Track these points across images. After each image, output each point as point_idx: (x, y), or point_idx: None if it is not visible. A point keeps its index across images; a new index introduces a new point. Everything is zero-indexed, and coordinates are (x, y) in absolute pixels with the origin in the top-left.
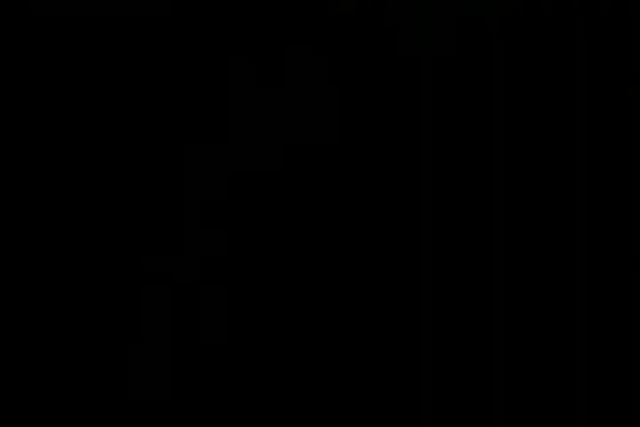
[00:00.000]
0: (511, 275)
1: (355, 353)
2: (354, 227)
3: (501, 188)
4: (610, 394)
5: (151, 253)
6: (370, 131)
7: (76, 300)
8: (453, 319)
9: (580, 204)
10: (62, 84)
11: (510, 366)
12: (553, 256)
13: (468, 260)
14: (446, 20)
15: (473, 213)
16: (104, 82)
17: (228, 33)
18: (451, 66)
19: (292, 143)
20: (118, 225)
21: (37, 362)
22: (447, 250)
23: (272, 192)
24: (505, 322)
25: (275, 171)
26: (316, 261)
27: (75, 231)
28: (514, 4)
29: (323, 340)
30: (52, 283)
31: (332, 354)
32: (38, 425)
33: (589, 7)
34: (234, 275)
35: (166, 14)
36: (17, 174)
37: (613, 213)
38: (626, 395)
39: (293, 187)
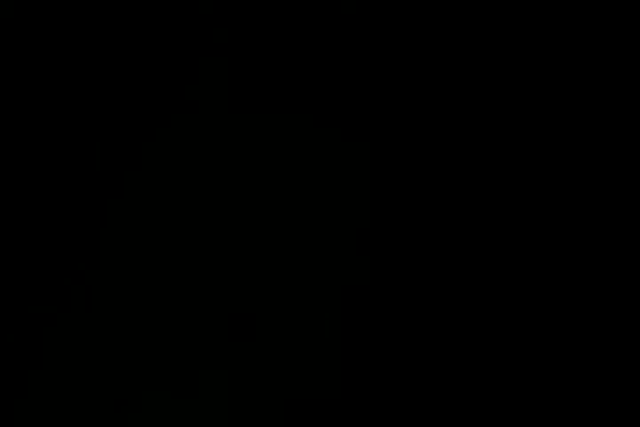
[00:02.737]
0: (511, 275)
1: (355, 353)
2: (353, 226)
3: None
4: (610, 394)
5: (151, 252)
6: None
7: (82, 298)
8: (454, 319)
9: (581, 203)
10: (42, 82)
11: (510, 366)
12: (553, 256)
13: (469, 259)
14: None
15: (471, 213)
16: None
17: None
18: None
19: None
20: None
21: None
22: (447, 249)
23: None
24: (505, 322)
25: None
26: (315, 259)
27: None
28: None
29: (319, 340)
30: (54, 283)
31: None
32: None
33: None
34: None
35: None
36: (14, 174)
37: (614, 213)
38: (626, 395)
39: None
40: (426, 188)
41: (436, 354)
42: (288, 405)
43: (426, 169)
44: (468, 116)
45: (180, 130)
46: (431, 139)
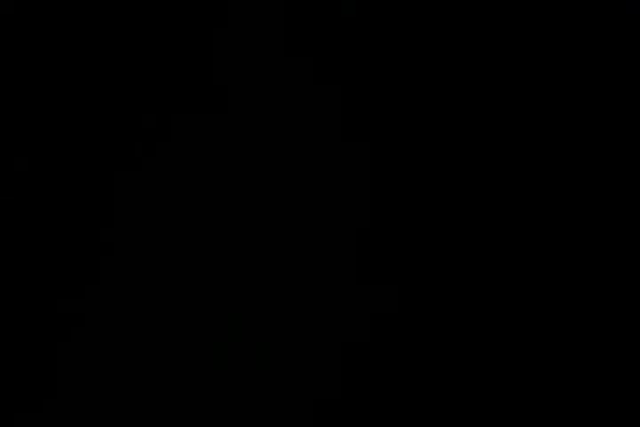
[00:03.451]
0: (510, 272)
1: (356, 354)
2: (355, 226)
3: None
4: (609, 394)
5: (153, 252)
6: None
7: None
8: (454, 319)
9: (581, 203)
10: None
11: (510, 367)
12: (553, 256)
13: (469, 260)
14: None
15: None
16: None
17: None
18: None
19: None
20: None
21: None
22: (447, 250)
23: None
24: (505, 322)
25: None
26: (319, 260)
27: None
28: None
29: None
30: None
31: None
32: None
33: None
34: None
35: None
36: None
37: (614, 214)
38: (626, 395)
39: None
40: (425, 187)
41: (435, 353)
42: (289, 405)
43: (425, 169)
44: (467, 116)
45: (181, 130)
46: (431, 139)
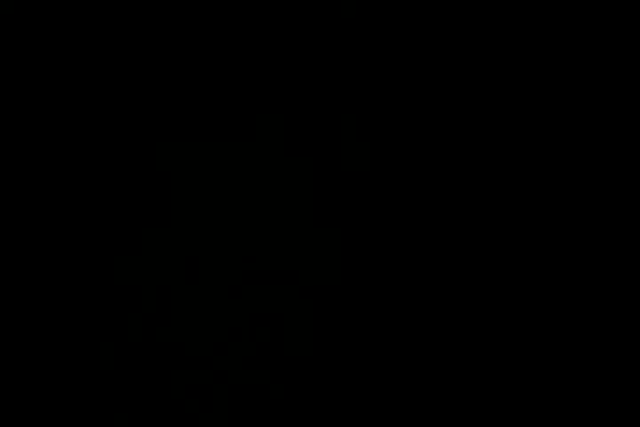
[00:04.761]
0: (512, 276)
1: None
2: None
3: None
4: (609, 394)
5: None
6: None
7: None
8: (454, 319)
9: (581, 203)
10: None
11: (510, 366)
12: (554, 257)
13: (469, 260)
14: None
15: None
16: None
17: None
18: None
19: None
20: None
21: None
22: (447, 250)
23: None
24: (506, 322)
25: None
26: (321, 260)
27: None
28: None
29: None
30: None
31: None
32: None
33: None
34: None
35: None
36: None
37: (614, 214)
38: (626, 395)
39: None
40: (426, 190)
41: (432, 354)
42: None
43: (425, 170)
44: (466, 118)
45: (186, 130)
46: (430, 140)
